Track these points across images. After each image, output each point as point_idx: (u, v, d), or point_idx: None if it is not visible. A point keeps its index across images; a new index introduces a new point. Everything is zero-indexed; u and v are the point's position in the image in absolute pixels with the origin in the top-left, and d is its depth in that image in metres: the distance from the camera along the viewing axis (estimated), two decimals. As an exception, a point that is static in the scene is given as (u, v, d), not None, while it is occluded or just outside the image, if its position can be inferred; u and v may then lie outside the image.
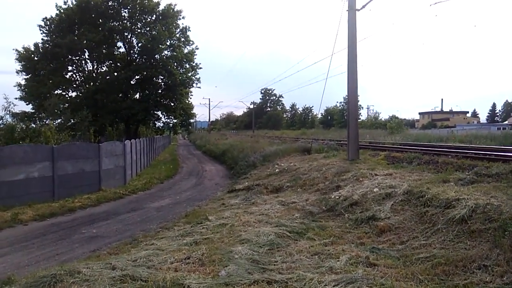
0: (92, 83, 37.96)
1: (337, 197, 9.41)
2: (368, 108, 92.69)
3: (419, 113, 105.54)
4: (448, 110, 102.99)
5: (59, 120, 29.19)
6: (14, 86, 37.34)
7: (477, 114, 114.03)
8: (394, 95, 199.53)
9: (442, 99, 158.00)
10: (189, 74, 41.21)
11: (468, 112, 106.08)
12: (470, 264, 4.79)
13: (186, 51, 40.41)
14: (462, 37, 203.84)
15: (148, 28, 38.59)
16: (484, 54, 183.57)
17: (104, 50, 37.40)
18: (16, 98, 34.98)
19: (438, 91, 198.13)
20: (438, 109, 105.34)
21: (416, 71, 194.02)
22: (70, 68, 38.91)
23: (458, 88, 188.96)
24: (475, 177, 8.71)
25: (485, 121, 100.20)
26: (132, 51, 39.69)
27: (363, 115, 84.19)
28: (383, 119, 66.49)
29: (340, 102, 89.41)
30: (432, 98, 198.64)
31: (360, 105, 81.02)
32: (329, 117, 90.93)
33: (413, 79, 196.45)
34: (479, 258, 4.87)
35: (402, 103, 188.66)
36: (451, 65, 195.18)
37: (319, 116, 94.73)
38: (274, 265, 5.39)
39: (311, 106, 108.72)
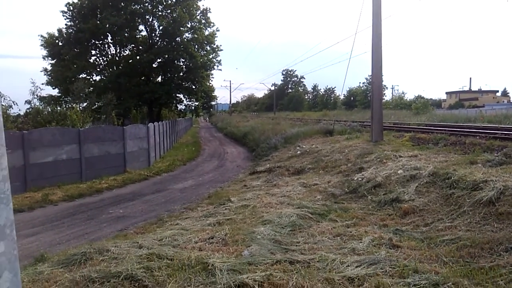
0: (115, 67, 38.52)
1: (360, 179, 9.33)
2: (392, 88, 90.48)
3: (446, 93, 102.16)
4: (476, 90, 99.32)
5: (84, 104, 29.88)
6: (41, 71, 38.37)
7: (508, 93, 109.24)
8: (420, 74, 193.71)
9: (470, 78, 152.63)
10: (210, 57, 41.20)
11: (498, 91, 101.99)
12: (496, 247, 4.69)
13: (206, 33, 40.30)
14: (493, 13, 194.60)
15: (169, 11, 38.58)
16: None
17: (126, 34, 37.71)
18: (42, 83, 36.01)
19: (466, 70, 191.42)
20: (466, 88, 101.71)
21: (443, 49, 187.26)
22: (93, 52, 39.59)
23: (488, 66, 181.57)
24: (504, 158, 8.42)
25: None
26: (153, 34, 39.87)
27: (388, 96, 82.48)
28: (408, 99, 64.88)
29: (363, 83, 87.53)
30: (460, 77, 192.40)
31: (385, 85, 79.26)
32: (352, 98, 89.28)
33: (440, 58, 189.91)
34: (507, 240, 4.76)
35: (429, 82, 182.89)
36: (480, 42, 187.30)
37: (342, 97, 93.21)
38: (296, 245, 5.43)
39: (333, 87, 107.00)
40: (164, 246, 5.50)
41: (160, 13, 38.68)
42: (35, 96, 22.22)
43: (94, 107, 31.33)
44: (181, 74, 40.77)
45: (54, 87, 37.41)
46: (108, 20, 35.12)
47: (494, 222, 5.46)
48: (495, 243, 4.78)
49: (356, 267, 4.41)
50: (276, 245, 5.45)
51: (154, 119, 35.40)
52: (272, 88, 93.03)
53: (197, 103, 45.67)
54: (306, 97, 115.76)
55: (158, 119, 36.63)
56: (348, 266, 4.45)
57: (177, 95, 42.24)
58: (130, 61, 38.75)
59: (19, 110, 20.92)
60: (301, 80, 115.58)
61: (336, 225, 6.41)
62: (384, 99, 60.12)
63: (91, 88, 34.73)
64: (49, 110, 21.14)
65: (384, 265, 4.40)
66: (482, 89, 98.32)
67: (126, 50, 40.59)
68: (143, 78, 39.17)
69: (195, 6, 39.03)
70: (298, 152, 16.52)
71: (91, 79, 38.83)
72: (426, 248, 5.06)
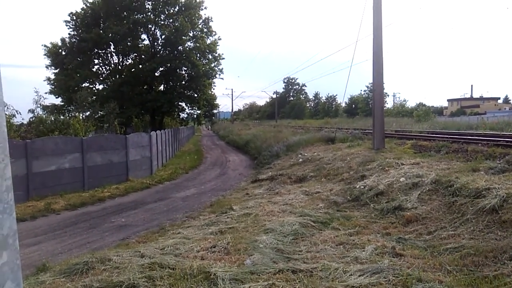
0: (118, 76, 38.75)
1: (362, 187, 9.30)
2: (394, 96, 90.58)
3: (448, 100, 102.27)
4: (478, 97, 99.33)
5: (87, 113, 30.00)
6: (44, 80, 38.60)
7: (509, 100, 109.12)
8: (421, 82, 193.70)
9: (472, 85, 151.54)
10: (212, 65, 41.42)
11: (499, 98, 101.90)
12: (501, 255, 4.66)
13: (208, 41, 40.59)
14: (494, 20, 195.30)
15: (171, 20, 38.93)
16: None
17: (128, 43, 38.01)
18: (45, 93, 36.25)
19: (467, 77, 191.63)
20: (468, 95, 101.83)
21: (444, 56, 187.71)
22: (96, 61, 39.87)
23: (489, 74, 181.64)
24: (507, 165, 8.40)
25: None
26: (156, 43, 40.18)
27: (389, 103, 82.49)
28: (410, 107, 64.79)
29: (365, 90, 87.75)
30: (461, 84, 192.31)
31: (386, 93, 79.37)
32: (353, 105, 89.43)
33: (441, 65, 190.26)
34: (511, 248, 4.72)
35: (430, 90, 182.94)
36: (481, 49, 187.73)
37: (343, 104, 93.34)
38: (299, 254, 5.41)
39: (334, 95, 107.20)
40: (166, 255, 5.49)
41: (162, 23, 39.04)
42: (38, 105, 22.33)
43: (97, 116, 31.46)
44: (183, 82, 40.97)
45: (57, 96, 37.62)
46: (111, 29, 35.43)
47: (498, 230, 5.43)
48: (499, 251, 4.75)
49: (359, 276, 4.39)
50: (278, 254, 5.43)
51: (157, 127, 35.52)
52: (274, 96, 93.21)
53: (199, 112, 45.81)
54: (308, 105, 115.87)
55: (161, 127, 36.74)
56: (351, 275, 4.43)
57: (179, 103, 42.43)
58: (133, 70, 39.02)
59: (22, 119, 21.02)
60: (303, 88, 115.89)
61: (339, 233, 6.39)
62: (385, 106, 60.04)
63: (94, 97, 34.91)
64: (52, 119, 21.22)
65: (387, 274, 4.37)
66: (484, 96, 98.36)
67: (129, 59, 40.92)
68: (145, 86, 39.40)
69: (197, 15, 39.36)
70: (300, 160, 16.50)
71: (94, 88, 39.05)
72: (430, 257, 5.03)
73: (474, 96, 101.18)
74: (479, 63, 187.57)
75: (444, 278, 4.28)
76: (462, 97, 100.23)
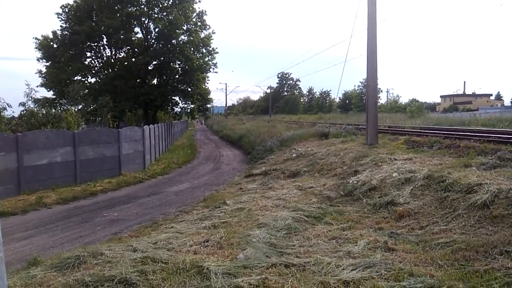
0: (110, 69, 38.41)
1: (355, 182, 9.34)
2: (387, 92, 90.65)
3: (441, 96, 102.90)
4: (470, 93, 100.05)
5: (80, 106, 29.76)
6: (36, 73, 38.19)
7: (501, 96, 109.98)
8: (414, 78, 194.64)
9: (464, 82, 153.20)
10: (206, 59, 41.21)
11: (491, 95, 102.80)
12: (491, 250, 4.70)
13: (202, 35, 40.35)
14: (487, 17, 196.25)
15: (164, 13, 38.59)
16: (508, 34, 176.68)
17: (122, 36, 37.67)
18: (37, 86, 35.91)
19: (460, 74, 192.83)
20: (460, 92, 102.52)
21: (437, 53, 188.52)
22: (88, 54, 39.51)
23: (482, 70, 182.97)
24: (498, 161, 8.48)
25: (510, 104, 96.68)
26: (149, 37, 39.87)
27: (383, 99, 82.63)
28: (403, 103, 64.97)
29: (359, 86, 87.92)
30: (454, 80, 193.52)
31: (380, 89, 79.42)
32: (347, 101, 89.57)
33: (434, 61, 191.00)
34: (501, 243, 4.77)
35: (423, 86, 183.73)
36: (474, 46, 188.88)
37: (337, 100, 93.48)
38: (292, 249, 5.42)
39: (328, 90, 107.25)
40: (158, 250, 5.47)
41: (156, 16, 38.68)
42: (30, 98, 22.13)
43: (89, 109, 31.22)
44: (177, 76, 40.73)
45: (49, 89, 37.24)
46: (104, 22, 35.06)
47: (489, 225, 5.48)
48: (489, 246, 4.79)
49: (352, 270, 4.41)
50: (271, 248, 5.44)
51: (150, 121, 35.36)
52: (268, 91, 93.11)
53: (192, 106, 45.65)
54: (302, 100, 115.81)
55: (154, 121, 36.57)
56: (344, 269, 4.45)
57: (173, 97, 42.23)
58: (126, 63, 38.69)
59: (13, 112, 20.83)
60: (297, 83, 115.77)
61: (332, 228, 6.41)
62: (379, 102, 60.12)
63: (86, 91, 34.60)
64: (44, 112, 21.02)
65: (380, 269, 4.40)
66: (476, 93, 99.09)
67: (122, 52, 40.58)
68: (138, 80, 39.12)
69: (191, 8, 39.05)
70: (293, 155, 16.51)
71: (86, 82, 38.68)
72: (421, 251, 5.07)
73: (467, 92, 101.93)
74: (472, 60, 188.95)
75: (435, 272, 4.32)
76: (455, 93, 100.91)
